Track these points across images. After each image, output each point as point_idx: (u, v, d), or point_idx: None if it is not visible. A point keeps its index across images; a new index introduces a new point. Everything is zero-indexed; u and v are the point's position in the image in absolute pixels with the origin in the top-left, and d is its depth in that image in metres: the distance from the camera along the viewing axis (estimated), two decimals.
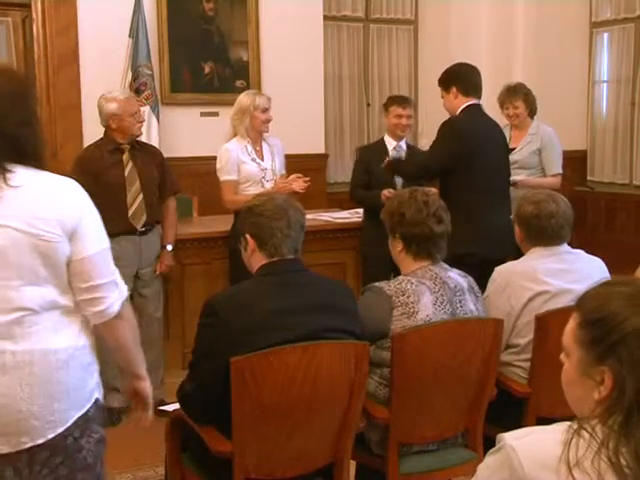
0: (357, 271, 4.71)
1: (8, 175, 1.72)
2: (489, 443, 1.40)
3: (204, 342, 2.23)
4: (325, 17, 6.43)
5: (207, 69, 5.89)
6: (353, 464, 2.53)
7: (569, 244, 2.80)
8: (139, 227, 3.85)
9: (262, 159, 4.15)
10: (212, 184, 4.33)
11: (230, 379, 2.09)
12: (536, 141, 4.60)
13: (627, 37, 6.56)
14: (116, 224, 3.45)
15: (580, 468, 1.16)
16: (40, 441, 1.76)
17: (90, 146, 4.01)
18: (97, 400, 1.88)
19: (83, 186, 1.86)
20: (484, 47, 6.45)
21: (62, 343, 1.79)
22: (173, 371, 4.07)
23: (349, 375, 2.24)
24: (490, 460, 1.27)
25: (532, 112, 4.70)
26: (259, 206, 2.31)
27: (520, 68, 6.45)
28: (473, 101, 3.90)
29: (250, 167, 4.10)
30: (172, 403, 2.48)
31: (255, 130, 4.12)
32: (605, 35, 6.78)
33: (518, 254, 2.90)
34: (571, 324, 1.29)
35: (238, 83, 5.93)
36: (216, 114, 5.75)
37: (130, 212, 3.80)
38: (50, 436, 1.77)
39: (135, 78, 5.32)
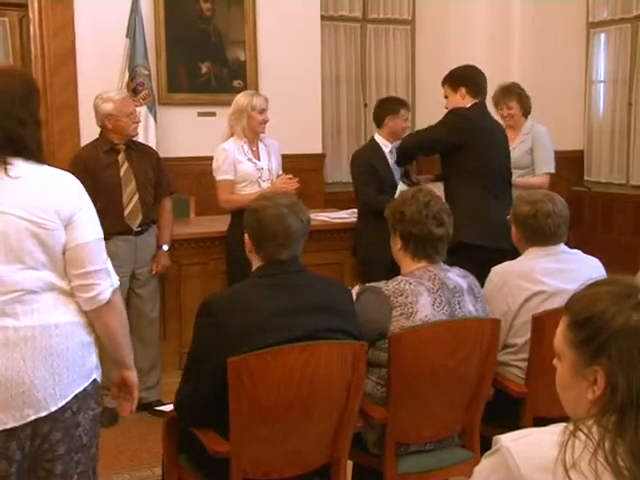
0: (354, 271, 4.71)
1: (9, 167, 1.83)
2: (486, 443, 1.40)
3: (201, 344, 2.23)
4: (322, 17, 6.44)
5: (204, 69, 5.88)
6: (350, 464, 2.53)
7: (566, 244, 2.80)
8: (135, 227, 3.85)
9: (259, 159, 4.14)
10: (209, 184, 4.32)
11: (227, 379, 2.09)
12: (529, 141, 4.59)
13: (624, 37, 6.56)
14: (112, 224, 3.46)
15: (577, 469, 1.16)
16: (43, 414, 1.86)
17: (86, 146, 4.01)
18: (95, 381, 1.98)
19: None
20: (481, 47, 6.44)
21: (62, 318, 1.89)
22: (170, 371, 4.07)
23: (346, 375, 2.24)
24: (486, 462, 1.27)
25: (526, 112, 4.67)
26: (260, 212, 2.29)
27: (517, 68, 6.45)
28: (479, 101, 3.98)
29: (246, 167, 4.09)
30: (169, 403, 2.47)
31: (252, 130, 4.11)
32: (602, 35, 6.79)
33: (515, 254, 2.90)
34: (561, 327, 1.30)
35: (235, 83, 5.93)
36: (213, 114, 5.75)
37: (126, 212, 3.80)
38: (52, 409, 1.87)
39: (132, 78, 5.30)
